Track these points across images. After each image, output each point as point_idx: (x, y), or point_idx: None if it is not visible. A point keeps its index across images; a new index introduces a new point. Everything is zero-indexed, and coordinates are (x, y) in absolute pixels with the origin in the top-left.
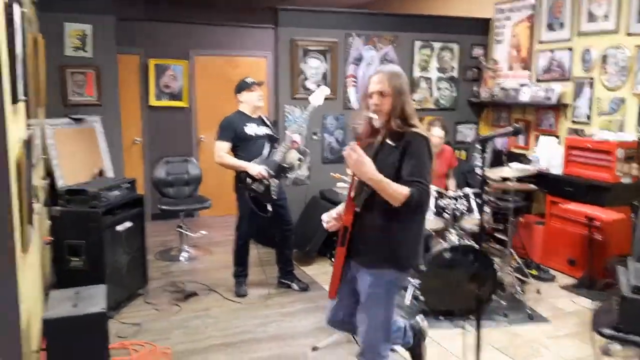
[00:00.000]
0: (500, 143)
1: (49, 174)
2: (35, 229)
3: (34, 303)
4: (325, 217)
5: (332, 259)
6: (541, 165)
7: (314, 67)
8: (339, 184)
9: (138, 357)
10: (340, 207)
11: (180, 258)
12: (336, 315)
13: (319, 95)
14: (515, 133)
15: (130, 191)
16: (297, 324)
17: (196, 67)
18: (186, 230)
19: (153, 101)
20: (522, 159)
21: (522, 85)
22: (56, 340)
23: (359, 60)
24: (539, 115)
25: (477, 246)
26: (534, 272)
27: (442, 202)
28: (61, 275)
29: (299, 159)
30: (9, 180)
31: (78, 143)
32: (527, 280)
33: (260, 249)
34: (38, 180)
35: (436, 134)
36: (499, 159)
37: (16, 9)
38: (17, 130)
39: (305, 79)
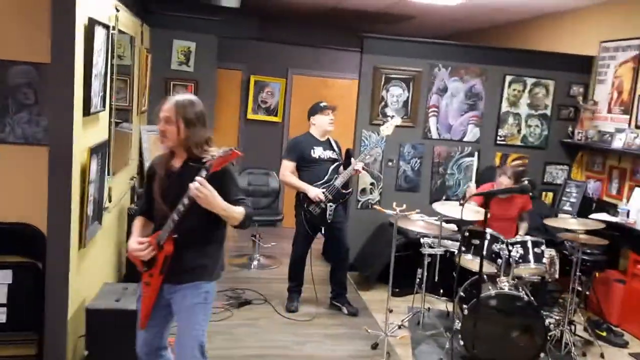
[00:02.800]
0: (592, 189)
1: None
2: (105, 225)
3: (93, 292)
4: (136, 246)
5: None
6: (630, 219)
7: (395, 94)
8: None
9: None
10: (135, 238)
11: (251, 266)
12: (151, 345)
13: (389, 125)
14: (522, 191)
15: None
16: (335, 347)
17: (293, 85)
18: (259, 240)
19: (250, 114)
20: (609, 209)
21: (618, 130)
22: (94, 329)
23: (443, 91)
24: (636, 165)
25: (526, 297)
26: (604, 333)
27: (496, 247)
28: (130, 269)
29: (371, 184)
30: (70, 183)
31: None
32: (593, 341)
33: (319, 267)
34: (126, 180)
35: (503, 182)
36: (588, 206)
37: (99, 31)
38: (86, 138)
39: (386, 106)
